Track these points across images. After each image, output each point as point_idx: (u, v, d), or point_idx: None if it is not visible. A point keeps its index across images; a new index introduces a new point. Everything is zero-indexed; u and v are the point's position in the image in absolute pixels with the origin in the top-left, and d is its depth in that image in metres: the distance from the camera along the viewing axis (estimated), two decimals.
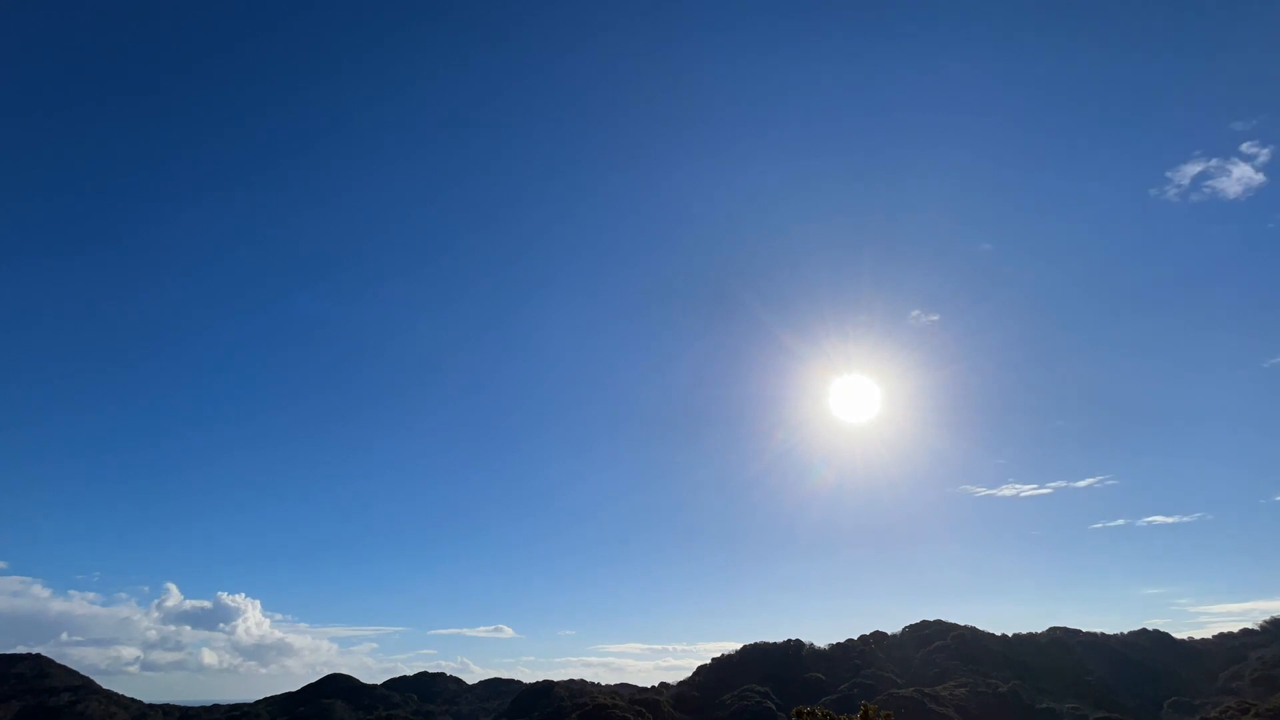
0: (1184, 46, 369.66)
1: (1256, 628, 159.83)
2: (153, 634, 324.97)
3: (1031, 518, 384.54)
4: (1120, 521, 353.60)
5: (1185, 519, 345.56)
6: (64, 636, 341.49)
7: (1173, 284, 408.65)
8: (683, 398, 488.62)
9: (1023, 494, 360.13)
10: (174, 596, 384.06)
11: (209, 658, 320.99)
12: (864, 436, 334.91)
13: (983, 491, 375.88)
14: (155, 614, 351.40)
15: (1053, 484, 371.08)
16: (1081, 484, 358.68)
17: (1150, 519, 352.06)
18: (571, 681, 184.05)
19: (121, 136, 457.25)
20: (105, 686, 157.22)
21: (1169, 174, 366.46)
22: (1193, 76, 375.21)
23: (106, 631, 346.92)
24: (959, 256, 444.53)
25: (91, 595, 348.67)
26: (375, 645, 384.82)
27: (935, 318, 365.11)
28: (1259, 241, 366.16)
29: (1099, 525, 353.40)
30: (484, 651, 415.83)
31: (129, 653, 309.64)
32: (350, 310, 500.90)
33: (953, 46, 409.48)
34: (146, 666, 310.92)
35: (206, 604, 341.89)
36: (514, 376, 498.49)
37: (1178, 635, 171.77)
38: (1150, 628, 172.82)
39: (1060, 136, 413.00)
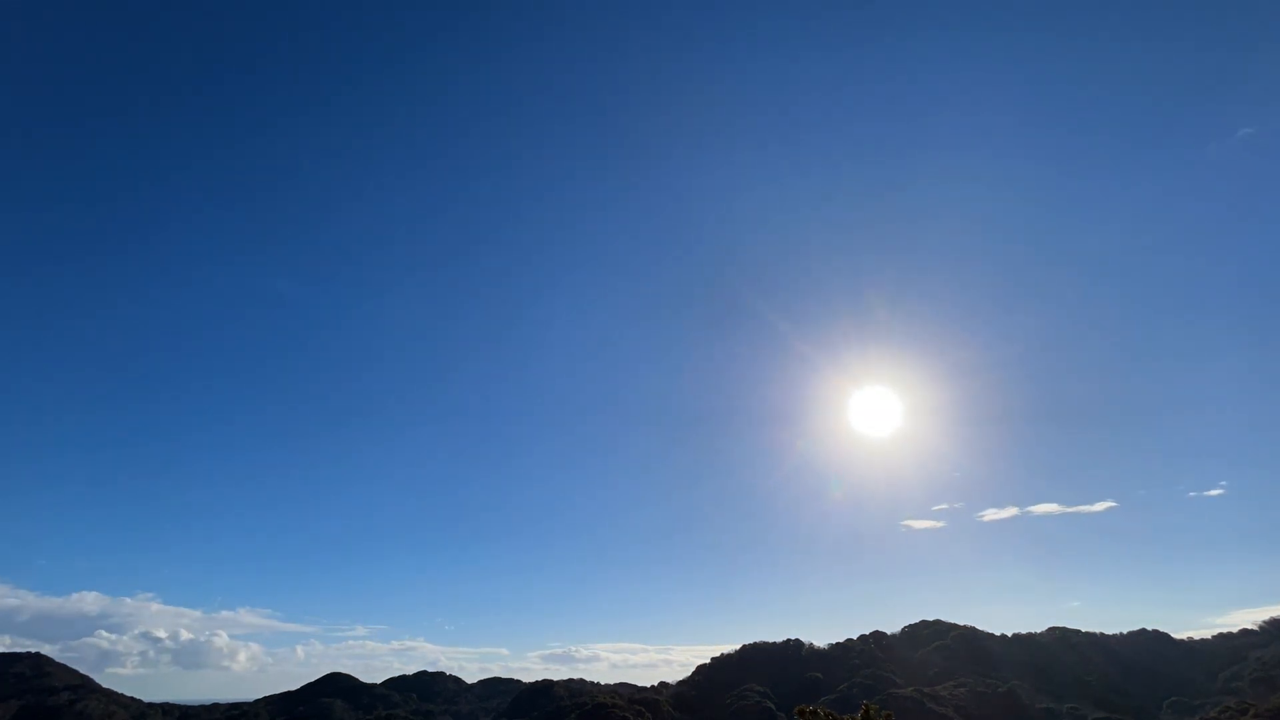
0: (1210, 43, 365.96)
1: (1256, 628, 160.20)
2: (152, 633, 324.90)
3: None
4: (1011, 509, 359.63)
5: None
6: (63, 635, 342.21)
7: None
8: (691, 404, 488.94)
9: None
10: (173, 595, 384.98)
11: (208, 656, 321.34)
12: (878, 446, 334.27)
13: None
14: (155, 613, 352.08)
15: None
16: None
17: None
18: (571, 681, 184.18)
19: (121, 143, 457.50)
20: (105, 685, 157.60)
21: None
22: (1219, 74, 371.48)
23: (106, 630, 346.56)
24: (980, 263, 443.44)
25: (93, 595, 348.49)
26: (376, 645, 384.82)
27: (958, 325, 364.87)
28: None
29: (990, 516, 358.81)
30: (483, 650, 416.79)
31: (128, 651, 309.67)
32: (358, 313, 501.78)
33: (972, 46, 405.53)
34: (146, 665, 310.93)
35: (202, 607, 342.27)
36: (524, 381, 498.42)
37: (1177, 635, 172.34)
38: (1150, 628, 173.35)
39: (1081, 138, 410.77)
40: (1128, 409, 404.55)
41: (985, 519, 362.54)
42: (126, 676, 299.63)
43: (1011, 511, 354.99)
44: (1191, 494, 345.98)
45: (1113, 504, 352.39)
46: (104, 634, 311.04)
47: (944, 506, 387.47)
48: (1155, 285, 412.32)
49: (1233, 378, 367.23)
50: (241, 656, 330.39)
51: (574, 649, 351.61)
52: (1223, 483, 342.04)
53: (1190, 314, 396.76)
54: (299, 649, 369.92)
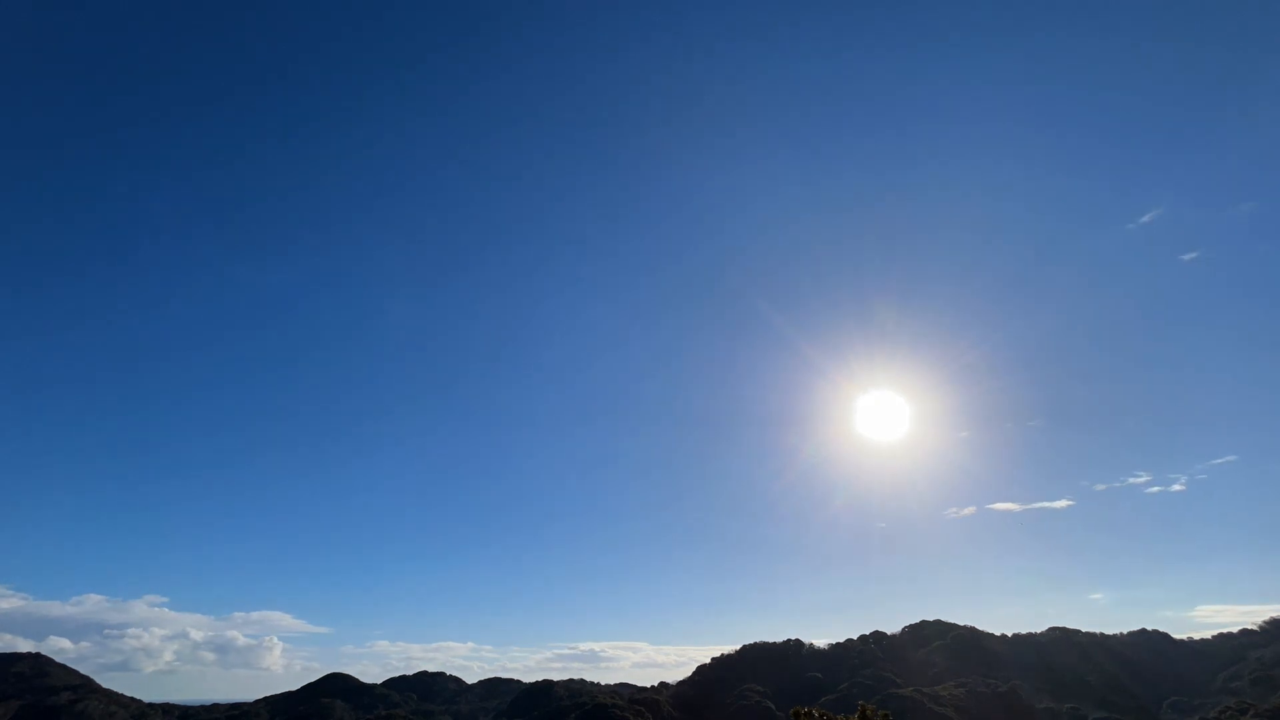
0: (1210, 45, 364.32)
1: (1256, 628, 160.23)
2: (152, 632, 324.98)
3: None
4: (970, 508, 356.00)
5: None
6: (64, 637, 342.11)
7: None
8: (696, 406, 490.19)
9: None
10: (172, 596, 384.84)
11: (208, 656, 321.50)
12: (880, 449, 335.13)
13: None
14: (154, 612, 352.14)
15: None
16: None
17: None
18: (571, 681, 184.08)
19: (122, 143, 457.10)
20: (105, 685, 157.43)
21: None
22: (1217, 78, 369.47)
23: (105, 630, 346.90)
24: (990, 267, 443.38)
25: (94, 596, 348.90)
26: (407, 645, 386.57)
27: (958, 328, 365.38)
28: None
29: (952, 512, 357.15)
30: (508, 650, 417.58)
31: (128, 651, 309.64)
32: (361, 313, 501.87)
33: (977, 51, 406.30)
34: (146, 665, 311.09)
35: (229, 611, 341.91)
36: (530, 381, 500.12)
37: (1177, 635, 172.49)
38: (1150, 628, 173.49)
39: (1092, 138, 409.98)
40: (1089, 407, 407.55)
41: (956, 516, 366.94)
42: (126, 676, 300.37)
43: (970, 510, 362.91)
44: (1154, 489, 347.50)
45: (1070, 501, 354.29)
46: (102, 634, 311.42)
47: (910, 506, 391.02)
48: (1120, 287, 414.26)
49: (1198, 375, 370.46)
50: (278, 656, 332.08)
51: (598, 648, 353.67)
52: (1183, 477, 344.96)
53: (1160, 315, 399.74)
54: (333, 650, 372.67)
